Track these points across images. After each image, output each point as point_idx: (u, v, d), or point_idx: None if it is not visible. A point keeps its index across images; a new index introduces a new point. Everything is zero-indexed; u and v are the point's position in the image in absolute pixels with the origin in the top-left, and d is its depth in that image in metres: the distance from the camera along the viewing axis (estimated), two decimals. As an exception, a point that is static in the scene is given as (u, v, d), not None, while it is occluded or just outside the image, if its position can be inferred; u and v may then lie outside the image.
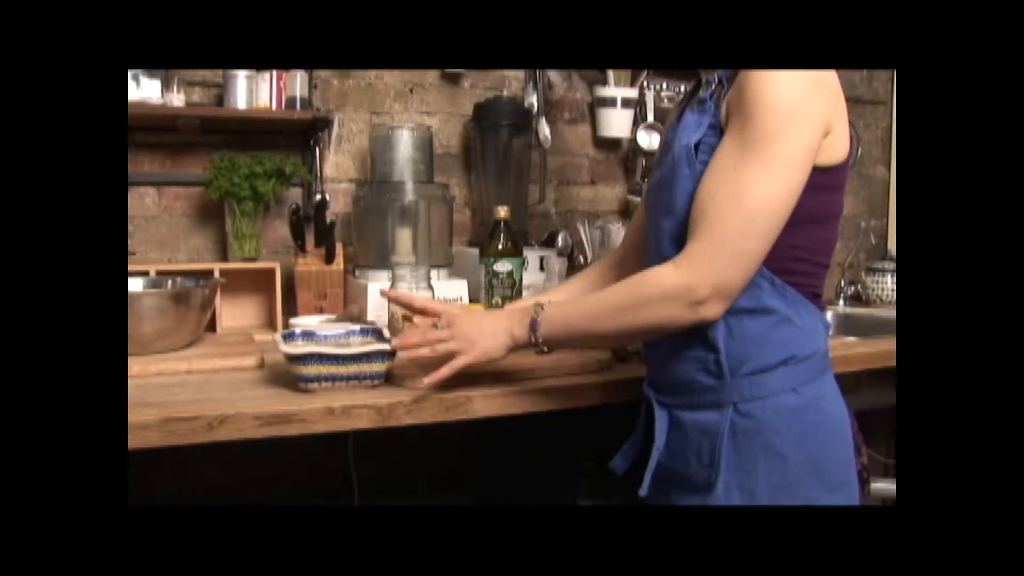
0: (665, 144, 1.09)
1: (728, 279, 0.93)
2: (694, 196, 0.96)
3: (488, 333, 1.09)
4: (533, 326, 1.06)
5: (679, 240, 0.97)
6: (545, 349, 1.08)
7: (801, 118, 0.91)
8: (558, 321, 1.05)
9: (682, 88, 2.27)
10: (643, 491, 1.06)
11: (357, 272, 1.81)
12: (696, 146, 0.98)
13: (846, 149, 0.99)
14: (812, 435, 0.99)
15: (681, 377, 1.05)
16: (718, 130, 0.97)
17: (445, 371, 1.07)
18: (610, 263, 1.34)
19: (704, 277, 0.92)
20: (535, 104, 2.07)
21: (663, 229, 1.02)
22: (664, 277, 0.96)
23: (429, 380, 1.07)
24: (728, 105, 0.96)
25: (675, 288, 0.94)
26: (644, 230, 1.14)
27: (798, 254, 0.99)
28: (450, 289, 1.68)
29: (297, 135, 1.92)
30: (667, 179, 1.02)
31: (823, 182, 0.96)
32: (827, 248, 1.03)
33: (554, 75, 2.20)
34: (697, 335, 1.00)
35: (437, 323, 1.13)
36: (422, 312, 1.20)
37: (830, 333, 1.09)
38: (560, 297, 1.25)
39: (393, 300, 1.26)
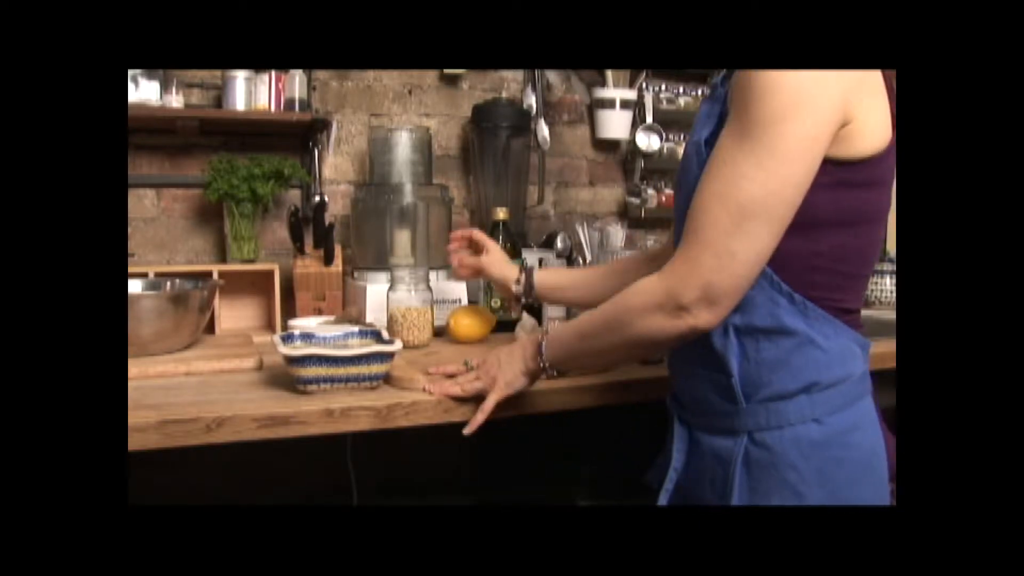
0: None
1: (714, 283, 0.84)
2: None
3: (506, 363, 1.09)
4: (539, 350, 1.05)
5: None
6: (555, 374, 1.06)
7: (804, 105, 0.81)
8: (558, 342, 1.03)
9: (681, 89, 2.27)
10: None
11: (356, 274, 1.81)
12: (707, 142, 0.91)
13: (878, 138, 0.87)
14: (834, 473, 0.89)
15: (698, 395, 0.99)
16: (724, 119, 0.89)
17: (479, 416, 1.07)
18: (646, 256, 1.29)
19: (684, 281, 0.86)
20: (534, 106, 2.07)
21: (677, 232, 0.97)
22: (646, 286, 0.90)
23: (468, 430, 1.08)
24: (730, 91, 0.88)
25: (656, 295, 0.88)
26: None
27: (818, 263, 0.89)
28: (449, 290, 1.68)
29: (296, 137, 1.91)
30: (679, 178, 0.97)
31: (846, 178, 0.87)
32: (857, 256, 0.92)
33: (553, 77, 2.20)
34: (710, 355, 0.94)
35: (468, 363, 1.17)
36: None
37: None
38: (557, 278, 1.32)
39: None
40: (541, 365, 1.05)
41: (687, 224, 0.87)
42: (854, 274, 0.93)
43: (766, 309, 0.90)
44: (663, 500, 1.01)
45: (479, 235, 1.42)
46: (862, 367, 0.94)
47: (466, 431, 1.08)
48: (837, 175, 0.86)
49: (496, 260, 1.40)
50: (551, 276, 1.36)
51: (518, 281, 1.35)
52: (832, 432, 0.90)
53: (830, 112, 0.83)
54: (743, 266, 0.84)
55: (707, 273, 0.84)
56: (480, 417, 1.07)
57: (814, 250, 0.89)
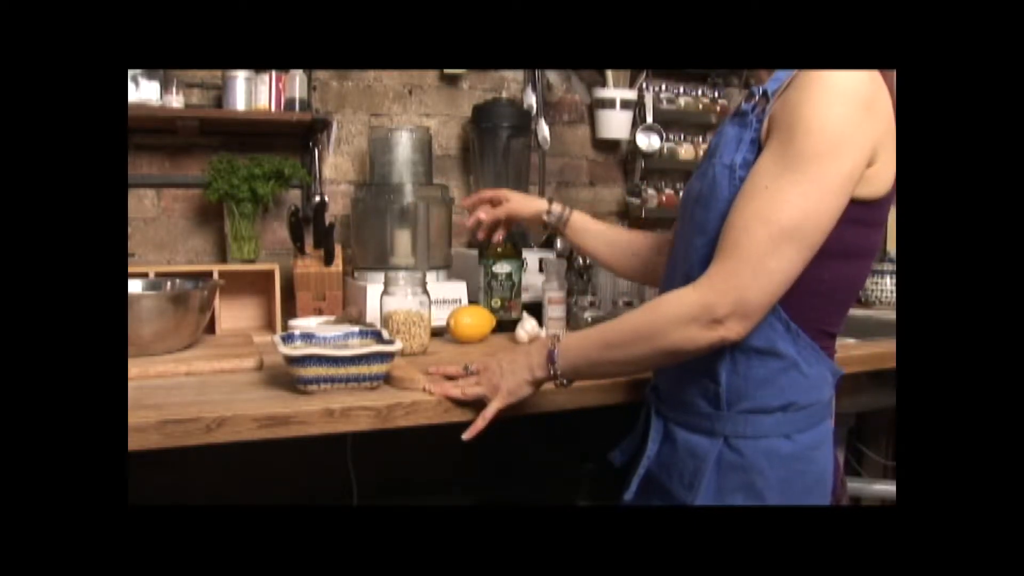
0: (708, 152, 1.04)
1: (749, 298, 0.89)
2: None
3: (508, 372, 1.08)
4: (551, 358, 1.04)
5: (709, 261, 0.93)
6: (565, 383, 1.06)
7: (846, 144, 0.87)
8: (575, 351, 1.03)
9: (681, 89, 2.27)
10: (628, 495, 1.06)
11: (356, 274, 1.81)
12: (741, 166, 0.95)
13: (890, 182, 0.94)
14: (794, 484, 0.98)
15: (682, 395, 1.04)
16: (758, 145, 0.93)
17: (480, 423, 1.08)
18: (653, 242, 1.31)
19: (723, 294, 0.89)
20: (534, 106, 2.07)
21: (694, 247, 0.99)
22: (682, 298, 0.93)
23: (467, 436, 1.08)
24: (771, 120, 0.92)
25: (693, 307, 0.91)
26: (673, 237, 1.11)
27: (818, 288, 0.95)
28: (449, 291, 1.68)
29: (296, 137, 1.91)
30: (706, 197, 0.98)
31: (859, 216, 0.92)
32: (852, 286, 1.00)
33: (553, 77, 2.20)
34: (703, 363, 0.98)
35: (468, 367, 1.17)
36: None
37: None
38: (587, 221, 1.34)
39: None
40: (552, 374, 1.04)
41: (723, 240, 0.91)
42: (845, 301, 1.01)
43: (763, 332, 0.95)
44: (634, 485, 1.06)
45: (492, 193, 1.43)
46: (830, 392, 1.03)
47: (465, 436, 1.08)
48: (851, 212, 0.91)
49: (520, 198, 1.41)
50: (583, 217, 1.37)
51: (549, 212, 1.37)
52: (799, 448, 0.98)
53: (866, 153, 0.89)
54: (776, 284, 0.90)
55: (743, 288, 0.89)
56: (480, 424, 1.07)
57: (817, 277, 0.93)
